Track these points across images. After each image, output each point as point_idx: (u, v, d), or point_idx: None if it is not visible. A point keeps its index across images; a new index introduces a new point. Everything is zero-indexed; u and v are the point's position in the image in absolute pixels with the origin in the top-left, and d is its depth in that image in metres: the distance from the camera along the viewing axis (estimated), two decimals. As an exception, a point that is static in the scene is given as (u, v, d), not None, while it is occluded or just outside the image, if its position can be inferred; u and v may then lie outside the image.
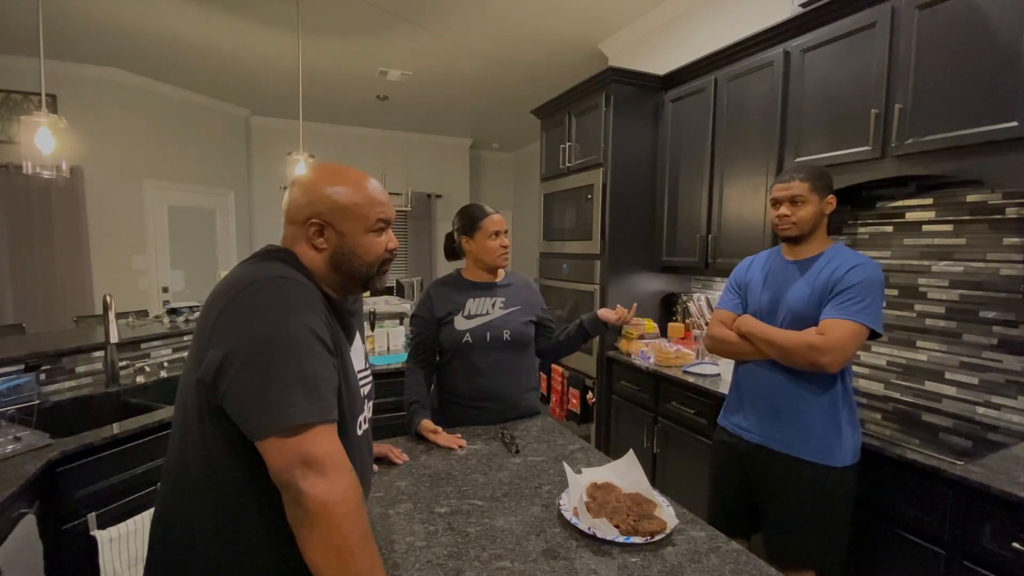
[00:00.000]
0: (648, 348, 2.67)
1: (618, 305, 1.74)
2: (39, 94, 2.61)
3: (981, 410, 1.78)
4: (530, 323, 1.75)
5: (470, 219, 1.69)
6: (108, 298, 2.07)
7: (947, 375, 1.88)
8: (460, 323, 1.66)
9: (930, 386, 1.93)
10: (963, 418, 1.77)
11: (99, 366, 2.17)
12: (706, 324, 2.69)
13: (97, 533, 1.48)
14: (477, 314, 1.68)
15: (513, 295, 1.73)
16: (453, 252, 1.78)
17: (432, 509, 1.17)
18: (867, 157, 1.81)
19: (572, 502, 1.14)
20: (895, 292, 2.02)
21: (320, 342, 0.79)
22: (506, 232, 1.70)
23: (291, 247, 0.90)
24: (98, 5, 3.29)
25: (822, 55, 1.99)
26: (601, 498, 1.14)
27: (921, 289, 1.95)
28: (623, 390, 2.77)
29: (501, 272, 1.76)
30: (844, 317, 1.35)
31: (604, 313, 1.74)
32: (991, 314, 1.75)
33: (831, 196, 1.50)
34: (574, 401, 3.06)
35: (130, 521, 1.56)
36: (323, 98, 5.13)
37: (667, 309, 3.11)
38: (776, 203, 1.53)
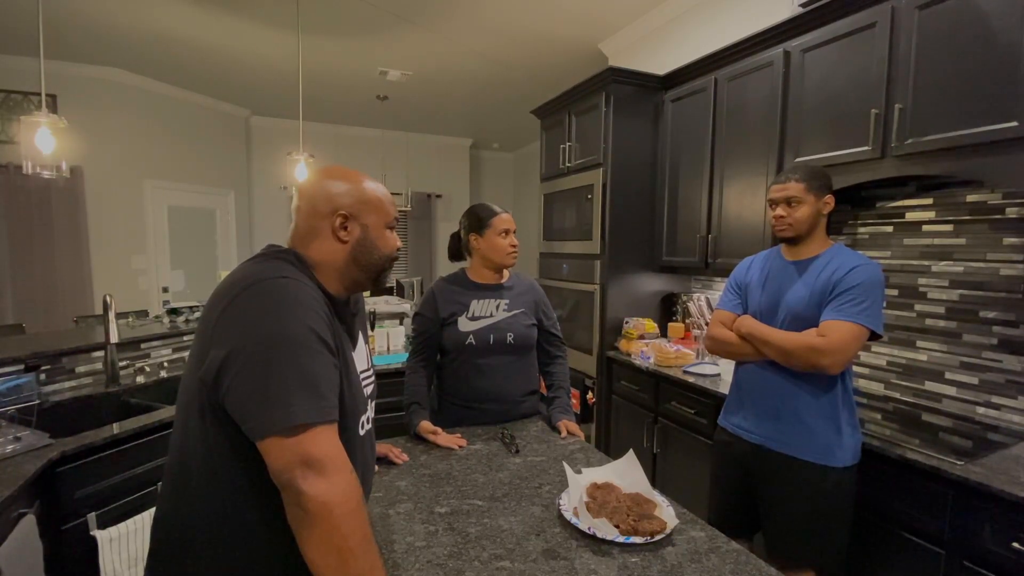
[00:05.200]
0: (648, 348, 2.67)
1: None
2: (39, 94, 2.61)
3: (981, 410, 1.78)
4: (533, 326, 1.74)
5: (480, 217, 1.69)
6: (108, 298, 2.07)
7: (947, 375, 1.88)
8: (464, 324, 1.65)
9: (930, 386, 1.93)
10: (963, 418, 1.77)
11: (99, 366, 2.17)
12: (706, 324, 2.69)
13: (97, 533, 1.48)
14: (481, 316, 1.67)
15: (517, 297, 1.72)
16: (458, 253, 1.77)
17: (432, 509, 1.17)
18: (867, 157, 1.81)
19: (572, 502, 1.14)
20: (895, 292, 2.02)
21: (321, 342, 0.79)
22: (515, 231, 1.70)
23: (304, 244, 0.90)
24: (98, 5, 3.29)
25: (822, 55, 1.98)
26: (601, 498, 1.14)
27: (921, 289, 1.95)
28: (623, 390, 2.77)
29: (506, 273, 1.75)
30: (844, 319, 1.35)
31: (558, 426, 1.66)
32: (991, 314, 1.75)
33: (829, 196, 1.49)
34: (574, 401, 3.05)
35: (130, 521, 1.56)
36: (323, 98, 5.13)
37: (667, 309, 3.11)
38: (773, 204, 1.53)
